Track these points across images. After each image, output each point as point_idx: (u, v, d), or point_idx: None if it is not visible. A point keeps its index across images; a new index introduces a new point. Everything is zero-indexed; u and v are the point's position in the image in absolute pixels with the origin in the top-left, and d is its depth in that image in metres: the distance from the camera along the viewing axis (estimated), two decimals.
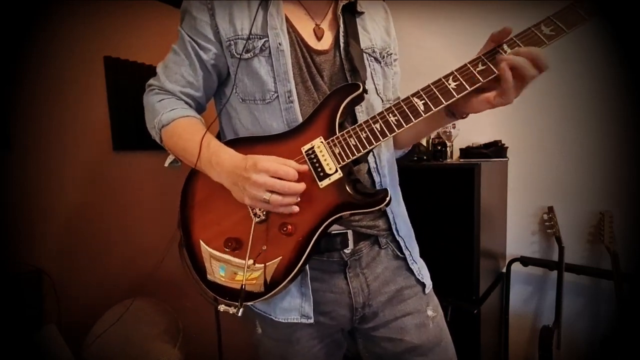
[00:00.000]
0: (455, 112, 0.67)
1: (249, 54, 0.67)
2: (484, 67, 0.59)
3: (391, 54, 0.81)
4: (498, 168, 1.58)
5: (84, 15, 1.36)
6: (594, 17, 0.56)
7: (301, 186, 0.60)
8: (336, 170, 0.62)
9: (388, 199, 0.61)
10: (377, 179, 0.74)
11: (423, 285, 0.79)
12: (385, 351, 0.75)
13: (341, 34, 0.72)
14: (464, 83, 0.59)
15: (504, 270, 1.67)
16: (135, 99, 1.50)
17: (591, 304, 1.51)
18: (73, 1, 1.33)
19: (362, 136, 0.62)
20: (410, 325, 0.74)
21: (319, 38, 0.72)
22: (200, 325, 1.61)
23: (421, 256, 0.84)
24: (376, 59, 0.76)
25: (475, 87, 0.59)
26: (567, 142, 1.53)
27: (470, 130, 1.70)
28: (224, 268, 0.67)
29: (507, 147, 1.62)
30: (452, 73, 0.60)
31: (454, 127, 1.61)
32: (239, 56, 0.67)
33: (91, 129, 1.40)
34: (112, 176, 1.47)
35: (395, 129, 0.61)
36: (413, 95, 0.62)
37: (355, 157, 0.63)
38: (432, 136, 1.74)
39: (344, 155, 0.62)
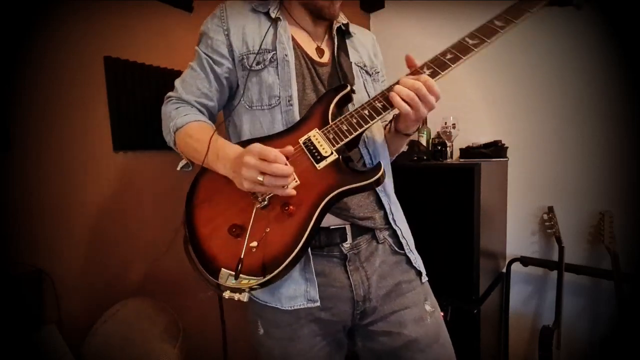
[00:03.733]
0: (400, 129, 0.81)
1: (259, 66, 0.76)
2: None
3: (378, 72, 0.93)
4: (498, 168, 1.58)
5: (84, 15, 1.36)
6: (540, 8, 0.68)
7: (287, 168, 0.62)
8: (332, 153, 0.68)
9: (381, 172, 0.66)
10: (367, 161, 0.80)
11: (420, 273, 0.82)
12: (384, 346, 0.76)
13: (335, 50, 0.84)
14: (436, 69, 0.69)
15: (504, 270, 1.67)
16: (136, 99, 1.51)
17: (591, 304, 1.51)
18: (73, 1, 1.33)
19: (352, 121, 0.69)
20: (409, 318, 0.76)
21: (320, 56, 0.83)
22: (200, 325, 1.61)
23: (421, 255, 0.85)
24: (367, 72, 0.88)
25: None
26: (567, 142, 1.53)
27: (470, 130, 1.70)
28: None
29: (507, 147, 1.62)
30: (425, 63, 0.71)
31: (454, 127, 1.61)
32: (249, 67, 0.76)
33: (91, 129, 1.39)
34: (112, 176, 1.47)
35: (382, 111, 0.68)
36: (394, 84, 0.69)
37: (348, 139, 0.68)
38: (432, 136, 1.74)
39: (337, 139, 0.68)
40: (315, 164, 0.67)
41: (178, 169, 0.83)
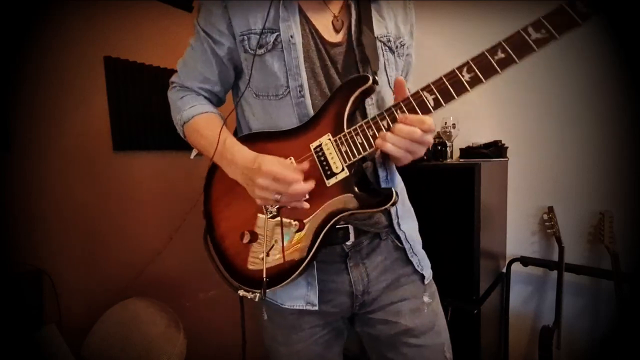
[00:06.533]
0: None
1: (262, 50, 0.67)
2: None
3: (404, 44, 0.77)
4: (498, 168, 1.58)
5: (84, 15, 1.36)
6: (586, 20, 0.52)
7: (303, 187, 0.62)
8: (343, 169, 0.63)
9: (393, 199, 0.62)
10: (382, 174, 0.75)
11: (422, 276, 0.81)
12: (381, 333, 0.78)
13: (353, 22, 0.70)
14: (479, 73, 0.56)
15: (504, 270, 1.67)
16: (135, 99, 1.51)
17: (591, 304, 1.51)
18: (73, 1, 1.33)
19: (368, 134, 0.62)
20: (406, 309, 0.76)
21: (337, 30, 0.70)
22: (200, 325, 1.61)
23: None
24: (390, 49, 0.74)
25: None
26: (567, 142, 1.53)
27: (470, 130, 1.70)
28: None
29: (507, 147, 1.62)
30: (467, 62, 0.57)
31: (454, 127, 1.61)
32: (253, 52, 0.68)
33: (91, 129, 1.40)
34: (112, 176, 1.47)
35: None
36: (423, 89, 0.58)
37: (361, 156, 0.63)
38: None
39: (350, 154, 0.63)
40: (325, 180, 0.64)
41: (192, 157, 0.83)
